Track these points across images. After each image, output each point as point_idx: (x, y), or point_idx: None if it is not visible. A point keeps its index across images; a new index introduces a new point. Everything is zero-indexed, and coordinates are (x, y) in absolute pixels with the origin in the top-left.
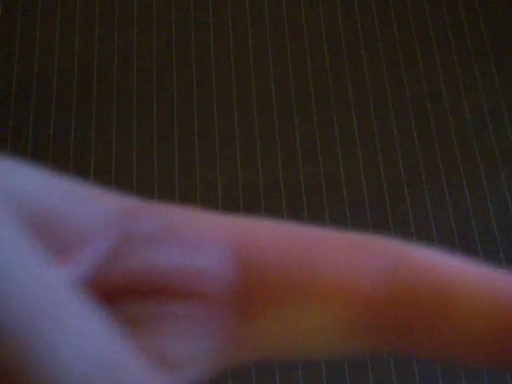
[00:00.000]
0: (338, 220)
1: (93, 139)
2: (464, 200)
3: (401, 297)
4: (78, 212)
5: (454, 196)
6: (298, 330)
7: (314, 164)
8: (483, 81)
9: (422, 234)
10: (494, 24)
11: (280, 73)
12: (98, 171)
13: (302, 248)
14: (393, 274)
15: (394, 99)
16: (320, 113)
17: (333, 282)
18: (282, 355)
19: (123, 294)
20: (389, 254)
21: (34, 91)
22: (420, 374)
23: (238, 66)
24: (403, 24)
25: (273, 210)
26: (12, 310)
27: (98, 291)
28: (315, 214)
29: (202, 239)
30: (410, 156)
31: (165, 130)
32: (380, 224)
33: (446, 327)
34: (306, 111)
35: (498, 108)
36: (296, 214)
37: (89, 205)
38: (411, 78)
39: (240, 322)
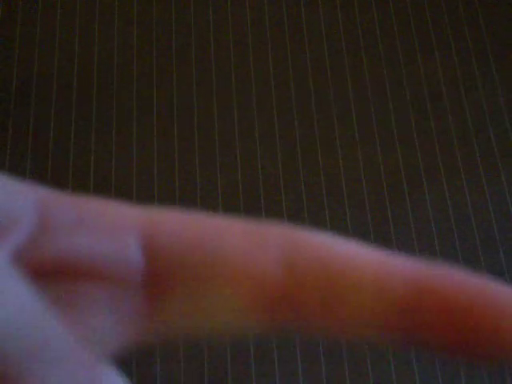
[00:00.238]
0: (338, 220)
1: (93, 139)
2: (464, 200)
3: (296, 278)
4: None
5: (454, 196)
6: (203, 310)
7: (314, 164)
8: (483, 81)
9: (421, 233)
10: (494, 24)
11: (280, 73)
12: (97, 171)
13: (207, 235)
14: (289, 258)
15: (394, 99)
16: (320, 113)
17: (235, 266)
18: (190, 333)
19: (41, 276)
20: (286, 240)
21: (34, 92)
22: (420, 373)
23: (238, 66)
24: (403, 24)
25: (273, 210)
26: None
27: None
28: (315, 214)
29: (112, 227)
30: (410, 156)
31: (165, 130)
32: (380, 224)
33: (338, 303)
34: (305, 111)
35: (498, 108)
36: (296, 214)
37: (6, 193)
38: (411, 77)
39: (150, 302)
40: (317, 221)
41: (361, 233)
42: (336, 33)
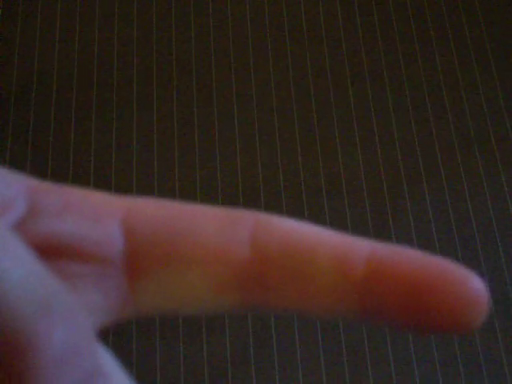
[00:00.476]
0: (338, 220)
1: (93, 139)
2: (464, 200)
3: (264, 258)
4: None
5: (454, 196)
6: (177, 288)
7: (313, 164)
8: (483, 81)
9: (421, 233)
10: (494, 24)
11: (280, 73)
12: (97, 171)
13: (181, 219)
14: (257, 240)
15: (394, 99)
16: (320, 113)
17: (207, 248)
18: (165, 310)
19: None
20: (255, 224)
21: (34, 92)
22: (420, 373)
23: (238, 66)
24: (403, 24)
25: (273, 210)
26: None
27: None
28: (315, 215)
29: (95, 212)
30: (410, 156)
31: (165, 130)
32: (380, 224)
33: (303, 281)
34: (305, 111)
35: (497, 108)
36: (296, 214)
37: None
38: (411, 77)
39: (130, 279)
40: (317, 221)
41: (361, 232)
42: (336, 33)
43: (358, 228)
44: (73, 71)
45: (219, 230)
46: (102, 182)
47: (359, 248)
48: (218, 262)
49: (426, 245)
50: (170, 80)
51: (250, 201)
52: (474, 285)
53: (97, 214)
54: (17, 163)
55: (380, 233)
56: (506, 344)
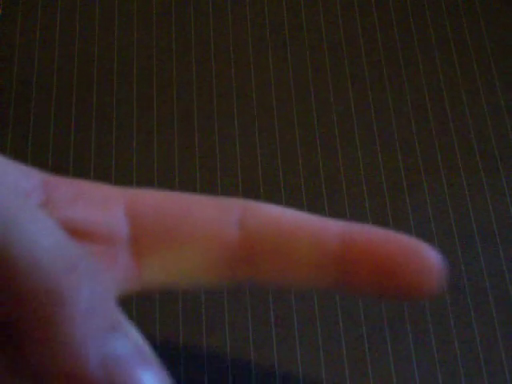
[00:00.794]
0: (338, 220)
1: (93, 139)
2: (464, 200)
3: (249, 238)
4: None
5: (454, 196)
6: (176, 265)
7: (313, 164)
8: (483, 81)
9: (421, 233)
10: (494, 24)
11: (280, 73)
12: (97, 171)
13: (178, 207)
14: (245, 223)
15: (394, 99)
16: (320, 113)
17: (201, 230)
18: (166, 284)
19: None
20: (243, 209)
21: (34, 92)
22: (420, 374)
23: (238, 66)
24: (403, 24)
25: None
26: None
27: None
28: (315, 214)
29: (103, 201)
30: (410, 156)
31: (165, 129)
32: (380, 224)
33: (285, 258)
34: (305, 111)
35: (498, 108)
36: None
37: (20, 172)
38: (412, 78)
39: (135, 258)
40: None
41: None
42: (336, 33)
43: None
44: (73, 71)
45: (212, 215)
46: (102, 182)
47: (334, 227)
48: (211, 242)
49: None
50: (171, 80)
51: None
52: (429, 256)
53: (104, 202)
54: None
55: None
56: (506, 344)
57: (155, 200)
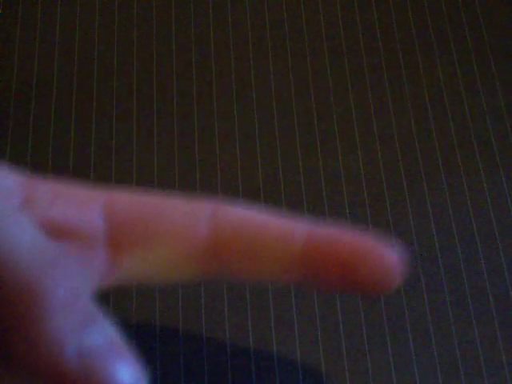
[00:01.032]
0: (338, 220)
1: (93, 139)
2: (464, 200)
3: (221, 237)
4: None
5: (454, 196)
6: (150, 260)
7: (313, 164)
8: (483, 81)
9: (421, 233)
10: (494, 24)
11: (280, 73)
12: (97, 171)
13: (152, 207)
14: (215, 222)
15: (395, 99)
16: (320, 113)
17: (172, 229)
18: (141, 279)
19: None
20: (213, 210)
21: (34, 92)
22: (420, 374)
23: (238, 66)
24: (403, 24)
25: (272, 210)
26: None
27: None
28: (315, 215)
29: (81, 201)
30: (410, 156)
31: (165, 129)
32: (380, 224)
33: (253, 255)
34: (305, 111)
35: (498, 108)
36: (296, 213)
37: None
38: (412, 78)
39: (111, 255)
40: (317, 220)
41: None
42: (336, 33)
43: (358, 228)
44: (73, 71)
45: (183, 215)
46: (102, 182)
47: (300, 228)
48: (181, 240)
49: (426, 245)
50: (171, 80)
51: (250, 200)
52: (388, 255)
53: (82, 202)
54: (16, 163)
55: (380, 233)
56: (506, 344)
57: (131, 200)
